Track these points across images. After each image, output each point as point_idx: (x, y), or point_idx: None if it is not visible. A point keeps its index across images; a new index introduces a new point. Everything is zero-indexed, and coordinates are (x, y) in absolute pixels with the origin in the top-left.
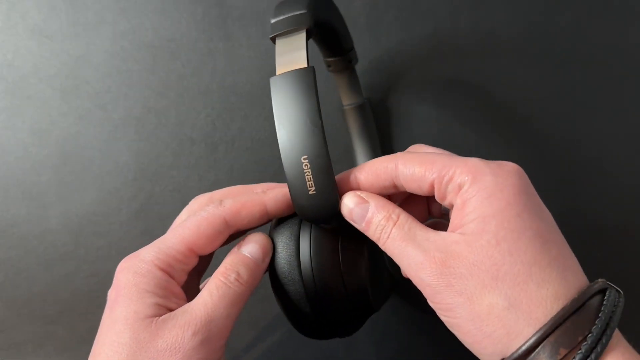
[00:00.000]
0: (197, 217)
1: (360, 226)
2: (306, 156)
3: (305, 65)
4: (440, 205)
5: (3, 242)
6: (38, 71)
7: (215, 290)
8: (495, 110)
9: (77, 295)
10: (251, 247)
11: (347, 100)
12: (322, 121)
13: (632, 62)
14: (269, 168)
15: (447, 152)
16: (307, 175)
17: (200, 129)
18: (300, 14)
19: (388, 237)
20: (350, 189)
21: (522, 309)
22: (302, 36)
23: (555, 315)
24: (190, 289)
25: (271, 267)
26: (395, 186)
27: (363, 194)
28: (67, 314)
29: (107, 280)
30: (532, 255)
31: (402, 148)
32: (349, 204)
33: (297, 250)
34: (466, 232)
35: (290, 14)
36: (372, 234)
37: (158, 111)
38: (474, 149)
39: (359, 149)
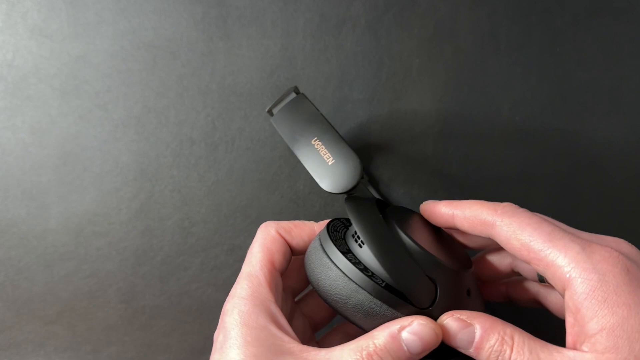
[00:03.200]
0: (255, 240)
1: (468, 352)
2: (315, 137)
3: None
4: None
5: (3, 242)
6: (38, 71)
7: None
8: (495, 110)
9: (77, 295)
10: (412, 340)
11: None
12: (319, 110)
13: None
14: (269, 168)
15: (547, 221)
16: (321, 150)
17: (200, 129)
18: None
19: None
20: (443, 219)
21: None
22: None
23: None
24: (285, 307)
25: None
26: (490, 240)
27: (463, 316)
28: (67, 314)
29: (107, 280)
30: None
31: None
32: (451, 330)
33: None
34: (598, 349)
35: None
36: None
37: (158, 111)
38: (476, 150)
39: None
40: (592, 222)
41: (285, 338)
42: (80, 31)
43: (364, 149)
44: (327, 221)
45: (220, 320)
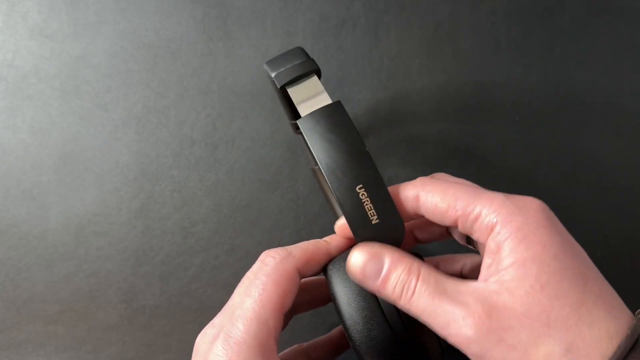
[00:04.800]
0: (269, 273)
1: (374, 285)
2: (361, 185)
3: (330, 101)
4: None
5: (3, 242)
6: (38, 71)
7: None
8: (495, 110)
9: (77, 295)
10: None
11: None
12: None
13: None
14: (269, 168)
15: (469, 183)
16: (366, 204)
17: (200, 129)
18: (304, 61)
19: (413, 293)
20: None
21: (579, 353)
22: (314, 79)
23: (613, 356)
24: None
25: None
26: (416, 215)
27: (376, 246)
28: (67, 314)
29: (107, 280)
30: (577, 296)
31: (408, 176)
32: (358, 261)
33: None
34: (505, 279)
35: (293, 63)
36: (391, 292)
37: (158, 111)
38: (476, 150)
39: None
40: (592, 222)
41: None
42: (80, 31)
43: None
44: (337, 238)
45: (211, 358)
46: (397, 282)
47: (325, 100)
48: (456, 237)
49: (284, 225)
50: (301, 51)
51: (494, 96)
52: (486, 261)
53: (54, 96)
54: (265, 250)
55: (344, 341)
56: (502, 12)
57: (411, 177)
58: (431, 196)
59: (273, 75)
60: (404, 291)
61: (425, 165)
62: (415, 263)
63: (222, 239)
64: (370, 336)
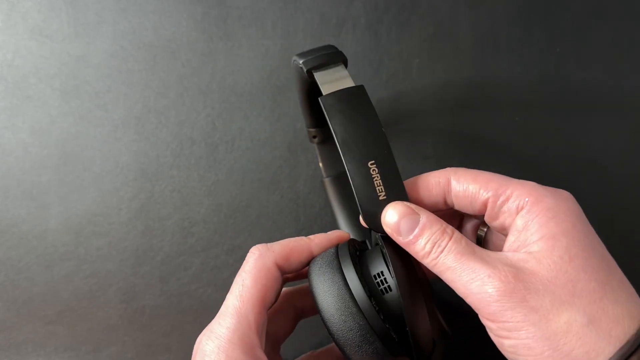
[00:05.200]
0: (249, 270)
1: (406, 239)
2: (373, 161)
3: (354, 84)
4: (475, 230)
5: (3, 242)
6: (38, 71)
7: None
8: (495, 110)
9: (77, 295)
10: None
11: (333, 170)
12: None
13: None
14: (269, 168)
15: (497, 174)
16: (376, 180)
17: (200, 129)
18: (334, 52)
19: (442, 250)
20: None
21: (601, 327)
22: (341, 67)
23: (635, 334)
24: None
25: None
26: (445, 203)
27: (412, 206)
28: (67, 314)
29: (107, 280)
30: (605, 274)
31: (408, 177)
32: (394, 216)
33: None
34: (533, 250)
35: (323, 52)
36: (420, 248)
37: (158, 111)
38: (476, 150)
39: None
40: (592, 222)
41: None
42: (80, 31)
43: None
44: (321, 235)
45: (198, 356)
46: (430, 239)
47: (350, 83)
48: (470, 235)
49: (284, 225)
50: (331, 46)
51: (494, 96)
52: (510, 239)
53: (54, 96)
54: None
55: None
56: (502, 12)
57: (411, 177)
58: (463, 180)
59: (301, 61)
60: (435, 248)
61: (426, 164)
62: (450, 226)
63: (222, 239)
64: (346, 327)
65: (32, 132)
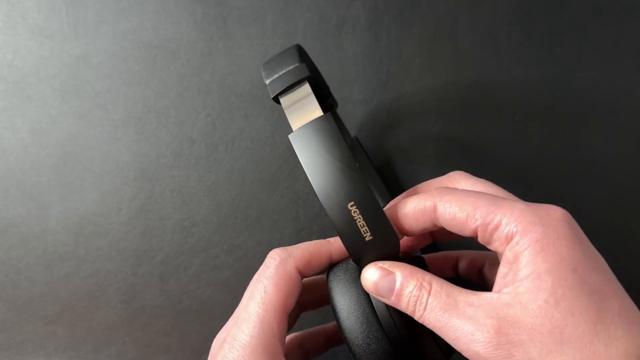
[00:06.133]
0: (271, 276)
1: (389, 300)
2: (352, 202)
3: (320, 113)
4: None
5: (3, 242)
6: (38, 71)
7: None
8: (495, 110)
9: (77, 295)
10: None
11: None
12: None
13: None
14: (269, 168)
15: (488, 185)
16: (359, 221)
17: (200, 129)
18: (296, 67)
19: (425, 308)
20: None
21: None
22: (306, 87)
23: None
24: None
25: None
26: (435, 225)
27: (385, 265)
28: (67, 314)
29: (107, 280)
30: (594, 312)
31: (409, 176)
32: (372, 278)
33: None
34: (519, 292)
35: (285, 70)
36: (405, 307)
37: (158, 111)
38: (476, 150)
39: None
40: (592, 222)
41: None
42: (80, 31)
43: (364, 149)
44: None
45: None
46: (410, 297)
47: (316, 112)
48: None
49: (284, 225)
50: (295, 52)
51: (494, 96)
52: (502, 270)
53: (54, 96)
54: (266, 250)
55: (338, 336)
56: (502, 12)
57: (411, 178)
58: (449, 206)
59: (267, 83)
60: (417, 306)
61: (426, 165)
62: (426, 278)
63: (222, 239)
64: (370, 350)
65: (32, 132)
